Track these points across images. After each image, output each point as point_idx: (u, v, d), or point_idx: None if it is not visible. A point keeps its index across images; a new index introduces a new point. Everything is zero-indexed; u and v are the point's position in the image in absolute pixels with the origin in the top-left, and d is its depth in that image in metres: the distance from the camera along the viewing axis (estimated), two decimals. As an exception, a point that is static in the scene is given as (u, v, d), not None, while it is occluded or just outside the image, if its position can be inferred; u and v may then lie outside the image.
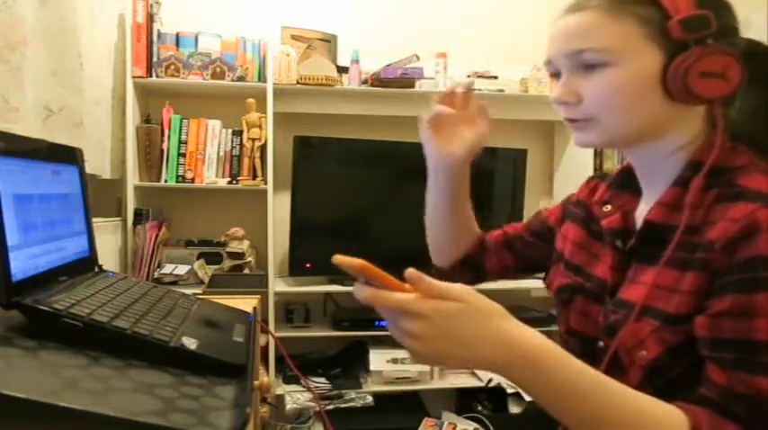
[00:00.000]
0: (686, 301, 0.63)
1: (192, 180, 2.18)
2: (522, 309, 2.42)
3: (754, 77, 0.69)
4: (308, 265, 2.20)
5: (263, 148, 2.18)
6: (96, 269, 0.91)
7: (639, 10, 0.66)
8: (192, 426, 0.49)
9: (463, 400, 2.39)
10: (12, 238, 0.64)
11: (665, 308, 0.65)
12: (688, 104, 0.67)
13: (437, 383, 2.25)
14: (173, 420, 0.49)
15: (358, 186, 2.32)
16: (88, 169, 1.06)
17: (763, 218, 0.59)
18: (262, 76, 2.20)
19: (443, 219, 1.00)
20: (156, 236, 2.09)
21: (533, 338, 0.57)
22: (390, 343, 2.19)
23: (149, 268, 2.06)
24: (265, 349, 2.12)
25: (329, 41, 2.37)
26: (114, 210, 2.17)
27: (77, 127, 1.63)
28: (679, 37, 0.64)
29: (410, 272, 0.55)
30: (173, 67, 2.11)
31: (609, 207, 0.79)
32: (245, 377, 0.65)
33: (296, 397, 2.10)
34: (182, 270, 2.08)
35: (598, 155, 2.38)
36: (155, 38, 2.13)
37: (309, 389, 2.10)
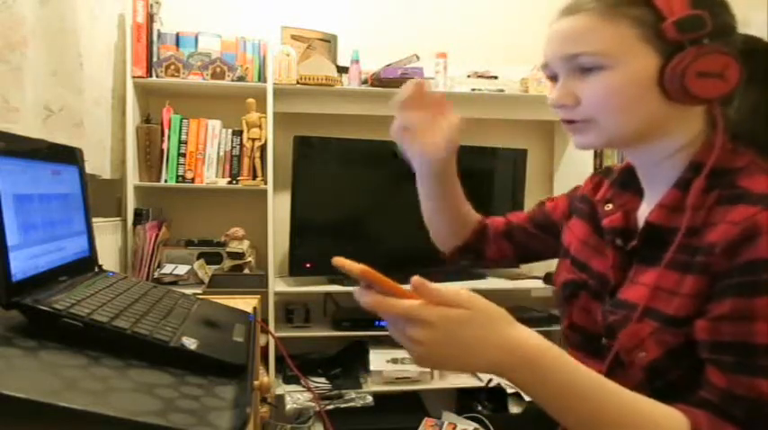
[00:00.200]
0: (686, 304, 0.63)
1: (192, 180, 2.18)
2: (522, 309, 2.42)
3: (753, 75, 0.69)
4: (308, 265, 2.20)
5: (263, 148, 2.18)
6: (96, 269, 0.91)
7: (634, 12, 0.65)
8: (191, 426, 0.49)
9: (463, 400, 2.39)
10: (12, 238, 0.64)
11: (665, 309, 0.65)
12: (686, 105, 0.67)
13: (437, 383, 2.25)
14: (173, 420, 0.49)
15: (358, 186, 2.32)
16: (88, 169, 1.06)
17: (764, 221, 0.59)
18: (262, 76, 2.20)
19: (437, 215, 1.02)
20: (156, 236, 2.09)
21: (534, 340, 0.57)
22: (390, 343, 2.19)
23: (149, 268, 2.06)
24: (265, 349, 2.11)
25: (329, 41, 2.37)
26: (114, 210, 2.17)
27: (77, 127, 1.63)
28: (674, 38, 0.64)
29: (415, 279, 0.55)
30: (173, 67, 2.11)
31: (611, 206, 0.79)
32: (245, 377, 0.65)
33: (296, 397, 2.10)
34: (182, 270, 2.08)
35: (598, 155, 2.38)
36: (155, 38, 2.13)
37: (309, 389, 2.10)
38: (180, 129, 2.17)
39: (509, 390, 2.21)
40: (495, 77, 2.38)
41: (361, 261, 0.54)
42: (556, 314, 2.39)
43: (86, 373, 0.55)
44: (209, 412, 0.53)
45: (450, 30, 2.52)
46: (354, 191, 2.31)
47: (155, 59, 2.12)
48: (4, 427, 0.46)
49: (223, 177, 2.21)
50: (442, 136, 0.89)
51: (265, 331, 1.71)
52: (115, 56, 2.07)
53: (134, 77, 2.08)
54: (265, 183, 2.16)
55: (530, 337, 0.57)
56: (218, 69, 2.14)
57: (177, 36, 2.19)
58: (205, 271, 2.10)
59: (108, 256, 1.95)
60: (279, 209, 2.25)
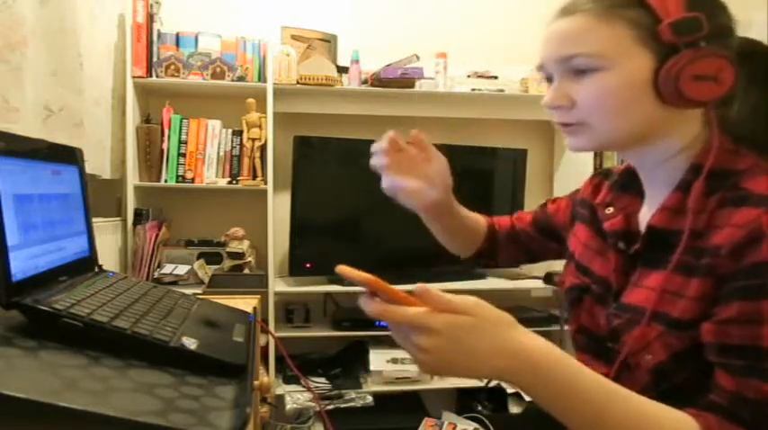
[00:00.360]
0: (691, 307, 0.63)
1: (192, 180, 2.18)
2: (522, 309, 2.42)
3: (753, 77, 0.69)
4: (308, 265, 2.20)
5: (263, 148, 2.18)
6: (96, 269, 0.91)
7: (630, 14, 0.65)
8: (191, 426, 0.49)
9: (463, 400, 2.39)
10: (12, 238, 0.64)
11: (671, 312, 0.65)
12: (681, 108, 0.67)
13: (437, 383, 2.25)
14: (173, 420, 0.49)
15: (358, 186, 2.31)
16: (88, 169, 1.06)
17: None
18: (262, 76, 2.20)
19: (446, 237, 1.03)
20: (156, 236, 2.09)
21: (540, 345, 0.57)
22: (390, 343, 2.19)
23: (149, 268, 2.06)
24: (265, 349, 2.11)
25: (329, 41, 2.37)
26: (114, 210, 2.17)
27: (77, 127, 1.63)
28: (670, 40, 0.64)
29: (420, 287, 0.55)
30: (173, 67, 2.12)
31: (611, 209, 0.79)
32: (245, 377, 0.65)
33: (296, 397, 2.10)
34: (182, 270, 2.08)
35: (598, 155, 2.38)
36: (155, 38, 2.13)
37: (309, 389, 2.10)
38: (180, 129, 2.17)
39: (509, 390, 2.21)
40: (495, 77, 2.38)
41: (361, 261, 0.54)
42: (556, 314, 2.40)
43: (86, 373, 0.55)
44: (209, 412, 0.53)
45: (451, 30, 2.52)
46: (354, 191, 2.31)
47: (155, 59, 2.12)
48: (4, 427, 0.46)
49: (223, 177, 2.21)
50: (435, 181, 0.89)
51: (265, 331, 1.71)
52: (115, 56, 2.07)
53: (134, 77, 2.08)
54: (265, 183, 2.16)
55: (535, 342, 0.57)
56: (218, 69, 2.14)
57: (177, 36, 2.19)
58: (205, 271, 2.10)
59: (108, 256, 1.95)
60: (279, 209, 2.25)
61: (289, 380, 2.18)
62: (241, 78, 2.17)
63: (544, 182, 2.65)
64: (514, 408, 2.23)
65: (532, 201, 2.51)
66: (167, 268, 2.08)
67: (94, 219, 0.93)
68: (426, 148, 0.90)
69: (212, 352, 0.67)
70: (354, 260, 0.55)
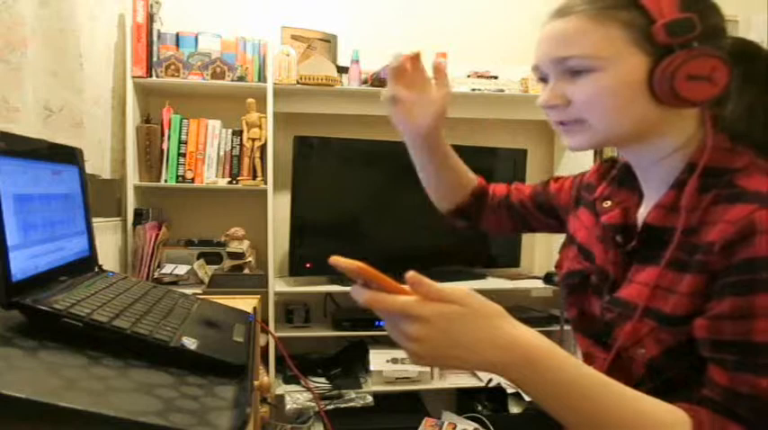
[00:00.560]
0: (684, 303, 0.64)
1: (192, 180, 2.18)
2: (522, 309, 2.42)
3: (747, 77, 0.69)
4: (308, 265, 2.20)
5: (263, 148, 2.18)
6: (96, 269, 0.91)
7: (624, 15, 0.65)
8: (191, 426, 0.49)
9: (463, 400, 2.39)
10: (12, 238, 0.64)
11: (663, 308, 0.66)
12: (676, 108, 0.67)
13: (437, 383, 2.25)
14: (173, 420, 0.49)
15: (358, 186, 2.32)
16: (88, 169, 1.07)
17: (761, 219, 0.59)
18: (262, 76, 2.20)
19: (431, 179, 1.03)
20: (156, 236, 2.09)
21: (531, 338, 0.57)
22: (390, 343, 2.19)
23: (149, 268, 2.06)
24: (265, 349, 2.11)
25: (329, 41, 2.37)
26: (114, 210, 2.17)
27: (77, 127, 1.63)
28: (664, 41, 0.64)
29: (410, 275, 0.55)
30: (173, 66, 2.12)
31: (609, 203, 0.80)
32: (245, 377, 0.65)
33: (296, 397, 2.10)
34: (182, 270, 2.08)
35: (598, 155, 2.37)
36: (155, 38, 2.13)
37: (309, 390, 2.10)
38: (180, 129, 2.17)
39: (509, 390, 2.22)
40: (495, 77, 2.38)
41: (360, 260, 0.54)
42: (556, 314, 2.40)
43: (86, 373, 0.55)
44: (209, 412, 0.53)
45: (451, 30, 2.52)
46: (354, 191, 2.31)
47: (155, 59, 2.12)
48: (4, 427, 0.46)
49: (223, 177, 2.21)
50: (431, 108, 0.90)
51: (265, 331, 1.71)
52: (115, 56, 2.07)
53: (134, 77, 2.08)
54: (265, 183, 2.16)
55: (527, 335, 0.57)
56: (218, 69, 2.14)
57: (177, 36, 2.19)
58: (205, 271, 2.10)
59: (108, 256, 1.95)
60: (279, 209, 2.25)
61: (289, 380, 2.18)
62: (241, 78, 2.17)
63: (544, 182, 2.65)
64: (514, 408, 2.23)
65: (532, 201, 2.51)
66: (167, 268, 2.08)
67: (94, 219, 0.93)
68: (442, 79, 0.91)
69: (212, 352, 0.67)
70: (354, 259, 0.55)
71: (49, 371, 0.53)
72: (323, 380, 2.21)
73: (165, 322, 0.71)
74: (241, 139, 2.20)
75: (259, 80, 2.20)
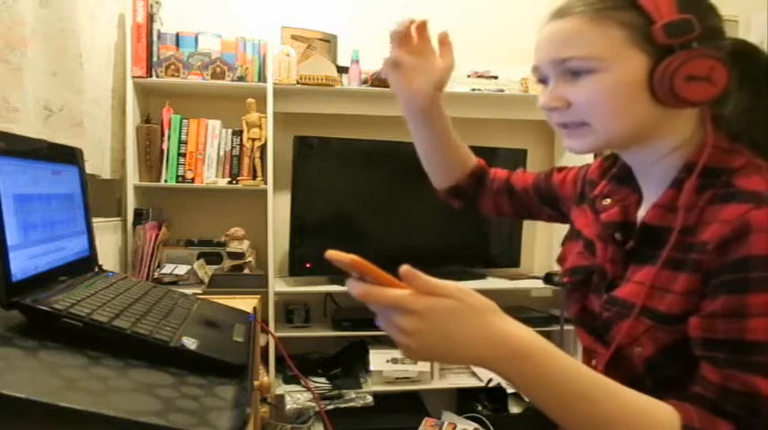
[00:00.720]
0: (678, 302, 0.64)
1: (192, 180, 2.18)
2: (522, 309, 2.42)
3: (745, 78, 0.69)
4: (308, 265, 2.20)
5: (263, 148, 2.18)
6: (96, 269, 0.91)
7: (623, 15, 0.66)
8: (191, 426, 0.49)
9: (463, 400, 2.39)
10: (12, 238, 0.64)
11: (658, 307, 0.66)
12: (676, 108, 0.67)
13: (437, 383, 2.25)
14: (173, 420, 0.49)
15: (358, 186, 2.32)
16: (88, 169, 1.06)
17: (755, 219, 0.59)
18: (262, 76, 2.20)
19: (428, 153, 1.01)
20: (156, 236, 2.09)
21: (523, 333, 0.57)
22: (390, 343, 2.19)
23: (149, 268, 2.06)
24: (265, 349, 2.12)
25: (329, 41, 2.37)
26: (114, 210, 2.17)
27: (77, 127, 1.63)
28: (663, 42, 0.64)
29: (405, 268, 0.55)
30: (173, 66, 2.12)
31: (608, 201, 0.80)
32: (245, 377, 0.65)
33: (296, 397, 2.10)
34: (182, 270, 2.08)
35: (598, 155, 2.38)
36: (155, 38, 2.13)
37: (309, 390, 2.10)
38: (180, 129, 2.17)
39: (509, 390, 2.22)
40: (495, 77, 2.38)
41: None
42: (556, 314, 2.40)
43: (86, 373, 0.55)
44: (209, 412, 0.53)
45: (450, 30, 2.50)
46: (354, 191, 2.31)
47: (155, 59, 2.12)
48: (4, 427, 0.46)
49: (223, 177, 2.21)
50: (432, 76, 0.90)
51: (265, 331, 1.71)
52: (115, 56, 2.07)
53: (134, 77, 2.08)
54: (265, 183, 2.16)
55: (519, 331, 0.57)
56: (218, 69, 2.14)
57: (177, 36, 2.19)
58: (205, 271, 2.10)
59: (108, 256, 1.95)
60: (279, 209, 2.25)
61: (289, 380, 2.18)
62: (241, 78, 2.17)
63: (544, 182, 2.65)
64: (514, 408, 2.23)
65: (532, 201, 2.52)
66: (167, 268, 2.08)
67: (94, 219, 0.93)
68: (447, 50, 0.91)
69: (212, 352, 0.67)
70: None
71: (49, 371, 0.53)
72: (323, 380, 2.21)
73: (165, 322, 0.71)
74: (241, 139, 2.20)
75: (259, 80, 2.20)
